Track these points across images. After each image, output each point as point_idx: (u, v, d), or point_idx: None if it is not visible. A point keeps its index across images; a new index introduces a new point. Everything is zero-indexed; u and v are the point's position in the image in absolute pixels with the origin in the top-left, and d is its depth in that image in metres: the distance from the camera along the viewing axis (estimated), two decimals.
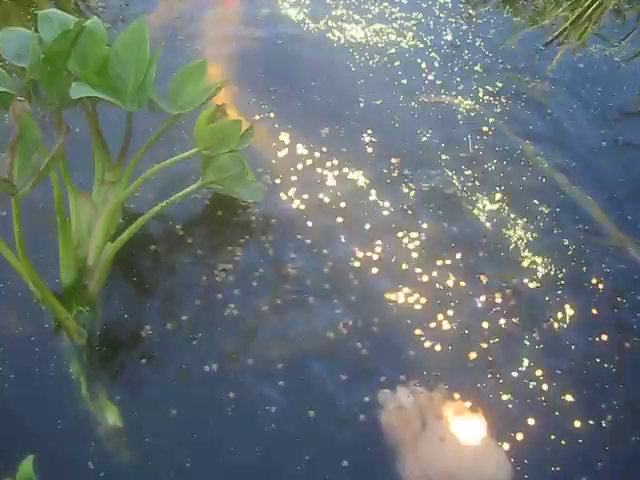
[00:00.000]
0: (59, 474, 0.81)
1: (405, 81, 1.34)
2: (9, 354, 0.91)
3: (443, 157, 1.19)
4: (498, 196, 1.14)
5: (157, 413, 0.88)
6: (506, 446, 0.85)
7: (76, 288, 0.94)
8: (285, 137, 1.20)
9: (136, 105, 0.87)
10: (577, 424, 0.88)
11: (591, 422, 0.89)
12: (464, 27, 1.48)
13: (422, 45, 1.42)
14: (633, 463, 0.87)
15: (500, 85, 1.34)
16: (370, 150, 1.20)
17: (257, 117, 1.23)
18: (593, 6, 1.49)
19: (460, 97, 1.31)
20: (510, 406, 0.90)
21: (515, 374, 0.93)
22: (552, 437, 0.87)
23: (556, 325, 0.98)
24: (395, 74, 1.36)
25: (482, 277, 1.03)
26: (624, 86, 1.37)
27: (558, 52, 1.43)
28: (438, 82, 1.34)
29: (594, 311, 1.00)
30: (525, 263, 1.05)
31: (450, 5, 1.53)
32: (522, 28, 1.49)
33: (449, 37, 1.45)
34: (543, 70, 1.39)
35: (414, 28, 1.46)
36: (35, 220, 0.99)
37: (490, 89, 1.33)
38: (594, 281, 1.03)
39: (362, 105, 1.29)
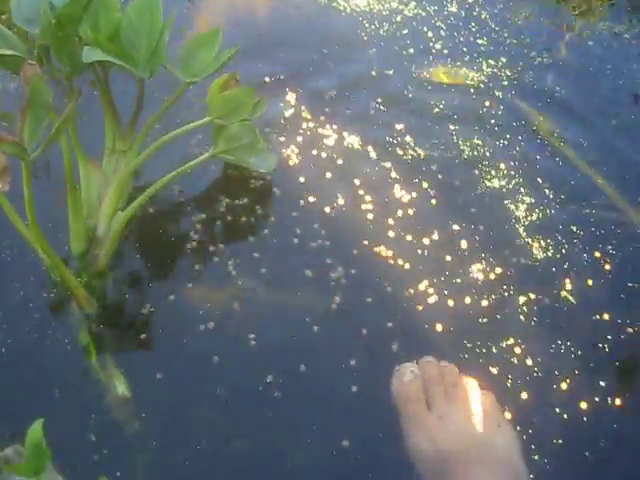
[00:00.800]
0: (66, 442, 0.79)
1: (412, 50, 1.33)
2: (17, 322, 0.90)
3: (451, 127, 1.19)
4: (503, 167, 1.13)
5: (165, 384, 0.87)
6: (517, 422, 0.85)
7: (86, 257, 0.94)
8: (292, 98, 1.20)
9: (148, 72, 0.87)
10: (583, 404, 0.88)
11: (596, 399, 0.88)
12: None
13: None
14: None
15: (505, 60, 1.33)
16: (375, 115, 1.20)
17: (267, 79, 1.23)
18: None
19: (470, 69, 1.30)
20: (520, 382, 0.90)
21: (521, 350, 0.92)
22: (563, 414, 0.87)
23: (561, 298, 0.98)
24: (405, 43, 1.35)
25: (480, 251, 1.02)
26: (634, 64, 1.36)
27: (566, 30, 1.41)
28: (445, 51, 1.33)
29: (598, 289, 0.99)
30: (526, 239, 1.04)
31: None
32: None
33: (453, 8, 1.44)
34: (551, 47, 1.37)
35: None
36: (45, 188, 0.99)
37: (497, 62, 1.32)
38: (598, 255, 1.03)
39: (373, 74, 1.28)
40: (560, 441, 0.85)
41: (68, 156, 0.89)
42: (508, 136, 1.18)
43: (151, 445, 0.82)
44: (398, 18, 1.40)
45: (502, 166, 1.13)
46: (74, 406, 0.84)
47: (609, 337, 0.94)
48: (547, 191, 1.10)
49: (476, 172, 1.12)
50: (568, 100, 1.26)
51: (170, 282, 0.96)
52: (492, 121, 1.21)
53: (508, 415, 0.86)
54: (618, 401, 0.89)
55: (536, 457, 0.83)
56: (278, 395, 0.87)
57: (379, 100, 1.23)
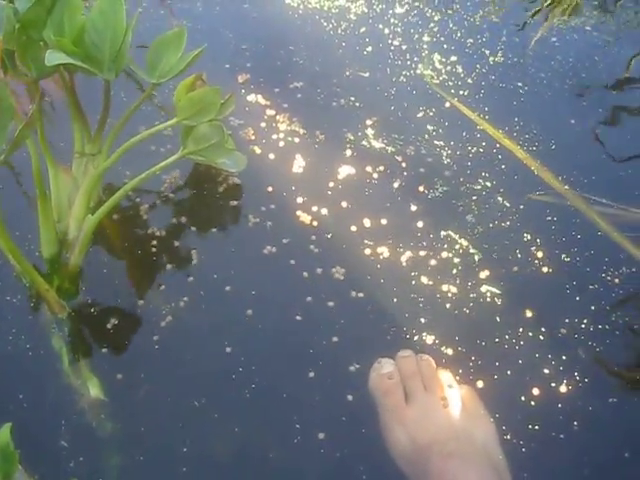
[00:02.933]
0: (38, 446, 0.80)
1: (371, 48, 1.34)
2: None
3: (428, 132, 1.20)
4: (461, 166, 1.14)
5: (138, 387, 0.87)
6: (497, 416, 0.86)
7: (57, 261, 0.94)
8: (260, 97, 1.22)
9: (113, 73, 0.86)
10: (556, 388, 0.89)
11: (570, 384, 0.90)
12: None
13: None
14: None
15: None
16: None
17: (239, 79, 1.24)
18: None
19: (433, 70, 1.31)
20: (497, 376, 0.90)
21: (500, 339, 0.93)
22: (537, 400, 0.88)
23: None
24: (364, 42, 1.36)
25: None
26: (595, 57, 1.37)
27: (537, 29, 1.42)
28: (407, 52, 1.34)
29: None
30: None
31: None
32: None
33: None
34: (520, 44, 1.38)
35: None
36: (14, 193, 0.99)
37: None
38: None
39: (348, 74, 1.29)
40: (536, 427, 0.86)
41: (36, 161, 0.88)
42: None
43: (124, 448, 0.82)
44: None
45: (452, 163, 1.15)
46: (46, 410, 0.84)
47: (582, 326, 0.95)
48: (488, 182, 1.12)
49: (448, 174, 1.13)
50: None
51: (140, 285, 0.96)
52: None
53: (485, 406, 0.86)
54: (592, 385, 0.90)
55: (513, 444, 0.84)
56: (257, 397, 0.87)
57: (352, 99, 1.23)
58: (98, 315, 0.92)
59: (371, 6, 1.43)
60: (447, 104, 1.23)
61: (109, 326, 0.92)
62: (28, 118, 0.75)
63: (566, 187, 1.09)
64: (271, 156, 1.12)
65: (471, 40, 1.36)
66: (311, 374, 0.89)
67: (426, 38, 1.35)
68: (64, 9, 0.86)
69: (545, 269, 1.00)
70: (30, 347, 0.89)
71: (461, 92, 1.25)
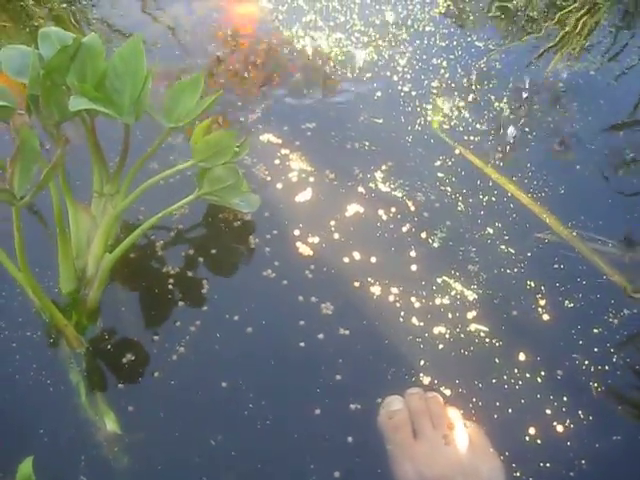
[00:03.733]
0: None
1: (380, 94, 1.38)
2: (8, 362, 0.92)
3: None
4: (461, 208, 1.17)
5: (154, 420, 0.89)
6: (502, 450, 0.87)
7: (75, 298, 0.96)
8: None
9: (133, 118, 0.89)
10: (563, 427, 0.90)
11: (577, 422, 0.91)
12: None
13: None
14: None
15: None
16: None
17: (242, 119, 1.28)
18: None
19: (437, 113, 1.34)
20: (506, 411, 0.92)
21: (504, 381, 0.95)
22: (545, 438, 0.89)
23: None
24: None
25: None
26: (601, 100, 1.39)
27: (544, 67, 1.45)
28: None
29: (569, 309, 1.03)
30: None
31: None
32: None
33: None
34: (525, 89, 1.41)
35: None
36: (35, 232, 1.02)
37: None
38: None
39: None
40: (547, 465, 0.87)
41: (57, 201, 0.91)
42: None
43: None
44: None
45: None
46: (64, 444, 0.86)
47: (583, 367, 0.97)
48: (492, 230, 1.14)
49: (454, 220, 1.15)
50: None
51: (155, 321, 0.99)
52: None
53: (492, 443, 0.87)
54: (598, 423, 0.91)
55: None
56: (271, 431, 0.89)
57: (366, 143, 1.27)
58: (114, 350, 0.95)
59: (379, 52, 1.46)
60: (457, 151, 1.26)
61: (125, 361, 0.94)
62: (53, 162, 0.78)
63: (574, 233, 1.11)
64: (283, 193, 1.15)
65: (478, 86, 1.39)
66: (317, 411, 0.91)
67: (435, 84, 1.39)
68: (86, 55, 0.89)
69: (547, 315, 1.02)
70: (49, 382, 0.91)
71: (471, 138, 1.28)
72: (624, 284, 1.05)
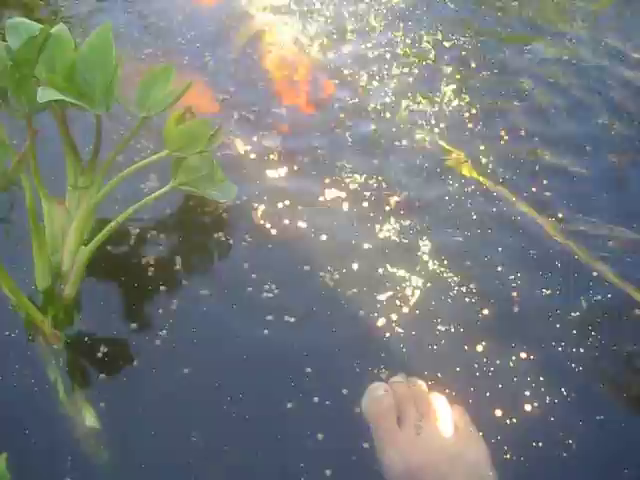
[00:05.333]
0: (33, 476, 0.81)
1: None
2: None
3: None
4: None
5: (133, 415, 0.88)
6: (488, 434, 0.87)
7: (52, 293, 0.95)
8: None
9: (104, 108, 0.88)
10: (550, 408, 0.91)
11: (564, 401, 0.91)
12: None
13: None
14: None
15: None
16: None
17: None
18: None
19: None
20: (489, 394, 0.92)
21: (488, 362, 0.95)
22: (532, 419, 0.90)
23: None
24: None
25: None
26: None
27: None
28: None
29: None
30: None
31: None
32: None
33: None
34: None
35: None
36: (9, 228, 1.00)
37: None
38: None
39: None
40: (538, 444, 0.88)
41: (30, 194, 0.90)
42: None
43: (120, 477, 0.83)
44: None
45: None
46: (43, 441, 0.85)
47: (574, 348, 0.97)
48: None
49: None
50: None
51: (133, 314, 0.98)
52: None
53: (480, 428, 0.87)
54: (585, 402, 0.92)
55: (510, 464, 0.86)
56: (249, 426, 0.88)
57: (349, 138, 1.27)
58: (93, 344, 0.93)
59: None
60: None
61: (103, 355, 0.93)
62: (22, 154, 0.76)
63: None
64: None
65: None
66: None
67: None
68: (55, 46, 0.88)
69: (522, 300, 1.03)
70: (27, 379, 0.90)
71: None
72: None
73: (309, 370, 0.93)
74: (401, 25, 1.52)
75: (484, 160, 1.22)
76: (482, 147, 1.25)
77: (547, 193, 1.17)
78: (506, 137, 1.27)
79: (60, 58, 0.88)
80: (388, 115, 1.30)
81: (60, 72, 0.86)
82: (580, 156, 1.25)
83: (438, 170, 1.20)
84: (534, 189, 1.18)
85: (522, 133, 1.29)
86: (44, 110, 0.90)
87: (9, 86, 0.86)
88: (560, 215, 1.13)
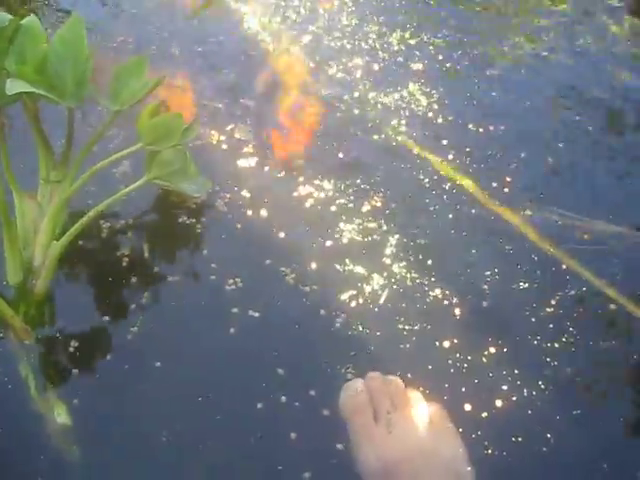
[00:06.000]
0: (4, 473, 0.81)
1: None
2: None
3: None
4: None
5: (106, 411, 0.88)
6: (463, 430, 0.86)
7: (23, 288, 0.94)
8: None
9: (75, 101, 0.87)
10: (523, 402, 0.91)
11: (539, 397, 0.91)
12: None
13: None
14: None
15: None
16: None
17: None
18: None
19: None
20: (465, 389, 0.92)
21: (461, 357, 0.95)
22: (505, 414, 0.90)
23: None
24: None
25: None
26: None
27: None
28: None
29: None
30: None
31: None
32: None
33: None
34: None
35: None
36: None
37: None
38: None
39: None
40: (517, 439, 0.88)
41: (1, 188, 0.89)
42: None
43: (91, 476, 0.83)
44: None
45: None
46: (13, 437, 0.84)
47: (549, 343, 0.97)
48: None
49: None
50: None
51: (105, 309, 0.97)
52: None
53: (455, 423, 0.87)
54: (562, 397, 0.92)
55: (488, 459, 0.86)
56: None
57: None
58: (64, 340, 0.92)
59: None
60: None
61: (75, 350, 0.92)
62: None
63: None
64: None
65: None
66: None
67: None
68: (26, 38, 0.87)
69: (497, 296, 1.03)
70: None
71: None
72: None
73: (279, 370, 0.93)
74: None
75: (451, 156, 1.22)
76: (447, 142, 1.25)
77: (518, 185, 1.18)
78: (478, 130, 1.27)
79: (31, 50, 0.87)
80: (357, 111, 1.30)
81: (31, 64, 0.85)
82: (548, 149, 1.25)
83: (408, 166, 1.20)
84: (504, 182, 1.18)
85: (491, 128, 1.28)
86: (15, 102, 0.88)
87: None
88: (529, 210, 1.13)
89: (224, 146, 1.20)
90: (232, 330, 0.96)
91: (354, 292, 1.01)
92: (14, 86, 0.79)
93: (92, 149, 0.95)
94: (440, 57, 1.41)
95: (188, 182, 0.95)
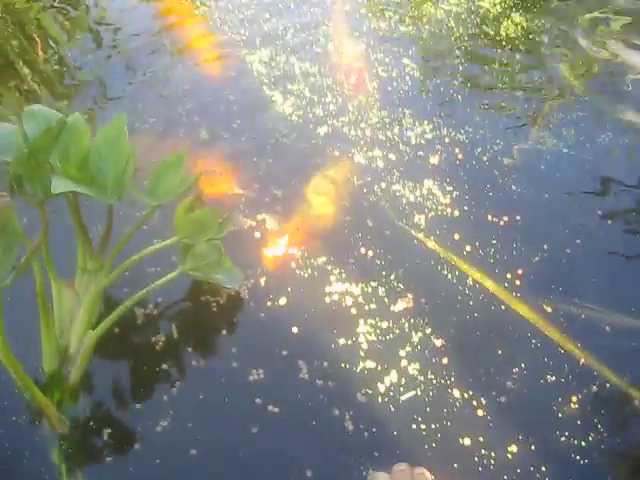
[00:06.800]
0: None
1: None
2: None
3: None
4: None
5: None
6: None
7: (58, 376, 0.96)
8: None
9: (115, 197, 0.90)
10: None
11: None
12: None
13: None
14: None
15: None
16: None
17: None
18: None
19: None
20: None
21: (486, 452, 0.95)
22: None
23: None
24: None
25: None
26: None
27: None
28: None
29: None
30: None
31: None
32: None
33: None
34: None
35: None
36: (19, 309, 1.01)
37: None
38: None
39: None
40: None
41: (40, 278, 0.91)
42: None
43: None
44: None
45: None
46: None
47: (575, 442, 0.97)
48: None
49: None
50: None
51: (137, 400, 0.98)
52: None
53: None
54: None
55: None
56: None
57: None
58: (97, 429, 0.94)
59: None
60: None
61: (107, 439, 0.93)
62: (35, 245, 0.78)
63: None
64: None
65: None
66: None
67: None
68: (70, 136, 0.90)
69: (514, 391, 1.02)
70: (30, 462, 0.90)
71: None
72: None
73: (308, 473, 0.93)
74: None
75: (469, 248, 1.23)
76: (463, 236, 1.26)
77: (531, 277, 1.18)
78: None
79: (74, 147, 0.90)
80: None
81: (74, 161, 0.89)
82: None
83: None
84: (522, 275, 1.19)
85: (506, 219, 1.29)
86: (57, 197, 0.91)
87: (24, 173, 0.88)
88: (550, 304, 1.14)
89: (257, 234, 1.22)
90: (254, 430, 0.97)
91: (370, 391, 1.02)
92: (58, 185, 0.82)
93: (130, 239, 0.98)
94: (458, 151, 1.42)
95: (222, 274, 0.98)
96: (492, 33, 1.80)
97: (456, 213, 1.28)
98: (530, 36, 1.80)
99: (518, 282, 1.16)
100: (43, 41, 1.70)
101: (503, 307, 1.13)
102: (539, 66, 1.69)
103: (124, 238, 0.97)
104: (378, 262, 1.18)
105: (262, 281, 1.13)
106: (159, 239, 1.01)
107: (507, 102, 1.57)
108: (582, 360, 1.05)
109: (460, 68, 1.67)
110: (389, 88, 1.60)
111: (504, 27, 1.83)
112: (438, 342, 1.07)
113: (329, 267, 1.17)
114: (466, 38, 1.79)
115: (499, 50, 1.73)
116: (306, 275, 1.15)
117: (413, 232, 1.24)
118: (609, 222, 1.28)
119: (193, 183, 0.94)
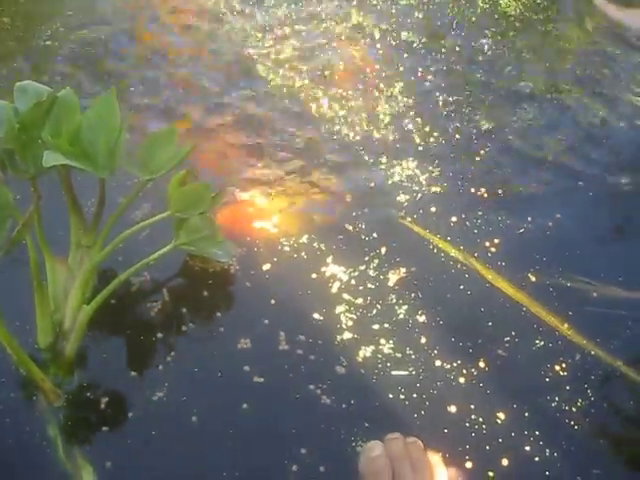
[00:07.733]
0: None
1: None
2: None
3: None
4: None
5: (132, 474, 0.89)
6: None
7: (53, 351, 0.96)
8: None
9: (107, 171, 0.90)
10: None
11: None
12: None
13: None
14: None
15: None
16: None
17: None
18: None
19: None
20: (485, 455, 0.93)
21: (481, 424, 0.96)
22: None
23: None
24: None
25: None
26: None
27: None
28: None
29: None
30: None
31: None
32: None
33: None
34: None
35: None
36: (13, 285, 1.02)
37: None
38: None
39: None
40: None
41: (34, 253, 0.91)
42: None
43: None
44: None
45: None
46: None
47: (566, 407, 0.98)
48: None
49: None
50: None
51: (133, 370, 0.99)
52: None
53: None
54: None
55: None
56: None
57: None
58: (92, 402, 0.94)
59: None
60: None
61: (103, 413, 0.94)
62: (26, 218, 0.78)
63: None
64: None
65: None
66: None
67: None
68: (61, 110, 0.90)
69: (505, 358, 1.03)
70: (26, 436, 0.90)
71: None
72: None
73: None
74: None
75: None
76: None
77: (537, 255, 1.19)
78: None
79: (66, 121, 0.90)
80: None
81: (65, 135, 0.88)
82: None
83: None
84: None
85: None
86: (49, 172, 0.92)
87: (15, 148, 0.88)
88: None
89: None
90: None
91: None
92: (50, 159, 0.82)
93: (123, 214, 0.98)
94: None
95: (215, 248, 0.98)
96: None
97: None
98: None
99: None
100: None
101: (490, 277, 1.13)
102: None
103: (116, 213, 0.96)
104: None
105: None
106: (155, 211, 1.00)
107: None
108: (569, 332, 1.06)
109: None
110: None
111: None
112: (425, 317, 1.08)
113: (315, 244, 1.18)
114: None
115: None
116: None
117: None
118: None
119: (186, 156, 0.94)
